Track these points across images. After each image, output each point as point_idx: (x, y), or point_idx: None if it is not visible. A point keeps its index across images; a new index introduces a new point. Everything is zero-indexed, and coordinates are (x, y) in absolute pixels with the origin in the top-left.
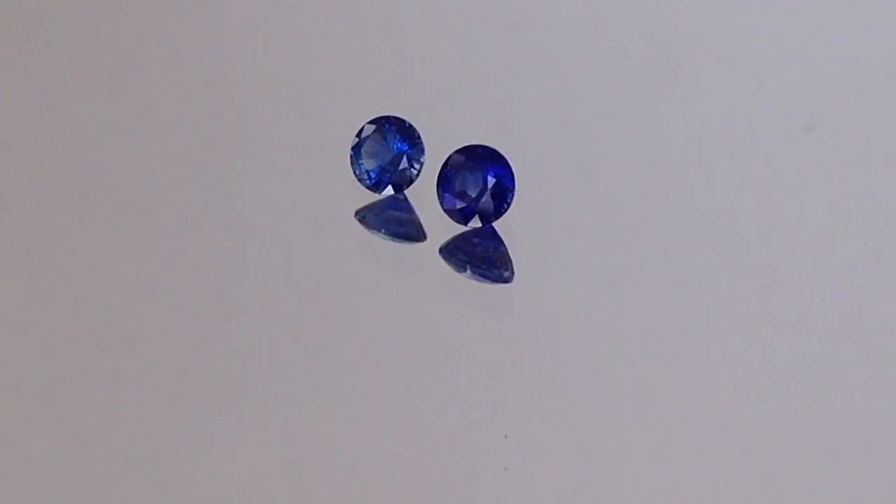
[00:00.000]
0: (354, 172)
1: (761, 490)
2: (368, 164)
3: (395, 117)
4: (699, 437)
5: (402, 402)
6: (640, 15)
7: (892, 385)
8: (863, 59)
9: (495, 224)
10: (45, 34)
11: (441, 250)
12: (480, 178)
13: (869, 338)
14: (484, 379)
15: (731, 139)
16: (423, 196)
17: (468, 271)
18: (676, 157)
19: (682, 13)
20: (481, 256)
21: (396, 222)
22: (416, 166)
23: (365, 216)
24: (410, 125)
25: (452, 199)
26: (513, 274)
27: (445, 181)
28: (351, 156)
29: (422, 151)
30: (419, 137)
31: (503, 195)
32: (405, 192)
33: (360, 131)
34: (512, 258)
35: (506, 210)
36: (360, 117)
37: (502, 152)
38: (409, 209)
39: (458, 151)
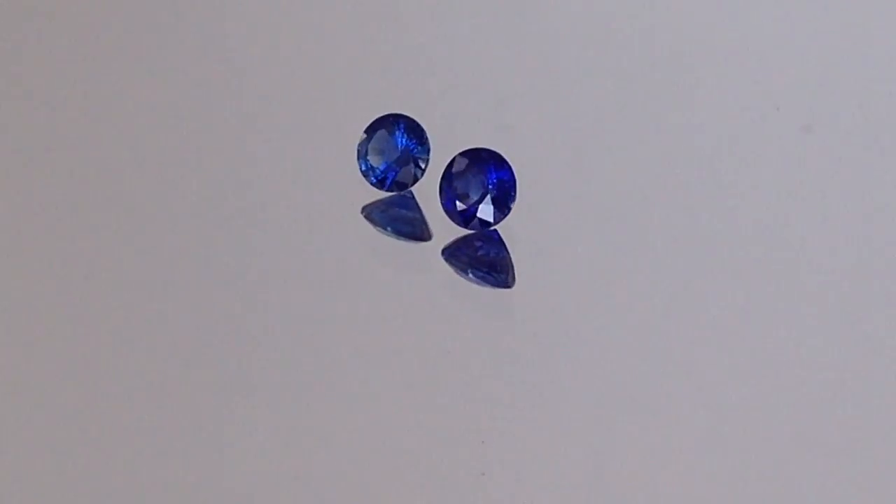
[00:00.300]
0: (360, 168)
1: (762, 497)
2: (375, 160)
3: (403, 115)
4: (697, 446)
5: (396, 400)
6: (641, 16)
7: (892, 385)
8: (863, 59)
9: (499, 229)
10: (64, 35)
11: (444, 251)
12: (483, 182)
13: (869, 337)
14: (480, 381)
15: (731, 139)
16: (428, 195)
17: (469, 274)
18: (676, 159)
19: (683, 14)
20: (483, 260)
21: (402, 221)
22: (422, 165)
23: (371, 213)
24: (418, 124)
25: (453, 201)
26: (514, 279)
27: (448, 182)
28: (358, 151)
29: (428, 150)
30: (426, 136)
31: (504, 200)
32: (412, 190)
33: (369, 127)
34: (514, 263)
35: (506, 215)
36: (369, 114)
37: (507, 156)
38: (415, 208)
39: (462, 153)
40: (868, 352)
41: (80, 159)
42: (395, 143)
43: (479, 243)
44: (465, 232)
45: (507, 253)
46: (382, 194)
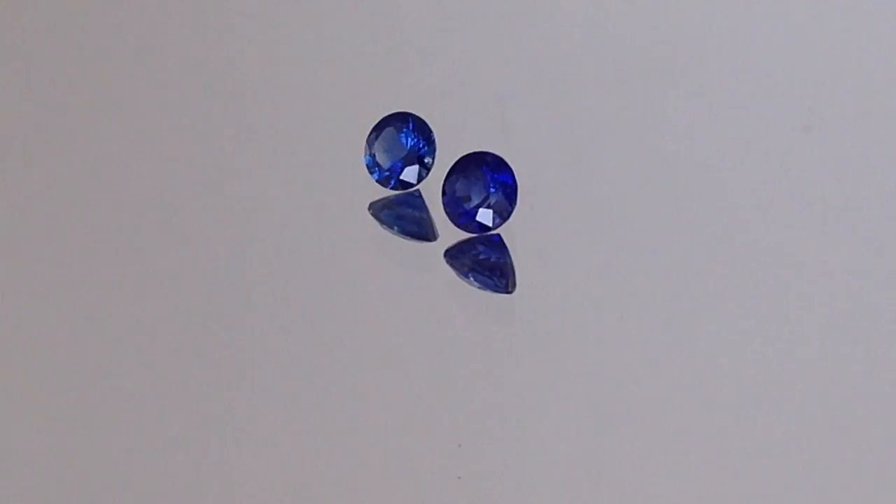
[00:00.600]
0: (367, 165)
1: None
2: (381, 158)
3: (412, 114)
4: (694, 452)
5: (389, 399)
6: (641, 16)
7: (892, 385)
8: (863, 58)
9: (502, 233)
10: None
11: (446, 253)
12: (484, 186)
13: (869, 337)
14: (477, 382)
15: (732, 139)
16: (432, 196)
17: (470, 278)
18: (678, 163)
19: (683, 14)
20: (484, 264)
21: (409, 220)
22: (428, 165)
23: (378, 211)
24: (426, 124)
25: (454, 203)
26: (514, 285)
27: (450, 184)
28: (365, 148)
29: (434, 151)
30: (433, 137)
31: (505, 205)
32: (420, 189)
33: (378, 125)
34: (515, 268)
35: (505, 220)
36: (378, 112)
37: (511, 160)
38: (422, 207)
39: (466, 156)
40: (868, 351)
41: (101, 154)
42: (402, 142)
43: (481, 247)
44: (469, 234)
45: (509, 258)
46: (389, 192)
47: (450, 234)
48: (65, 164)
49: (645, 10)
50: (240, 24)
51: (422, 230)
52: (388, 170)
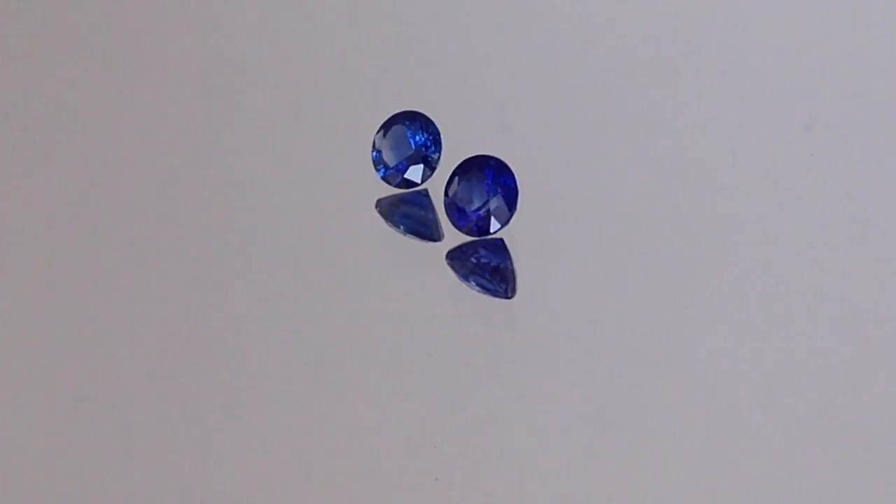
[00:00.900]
0: (373, 162)
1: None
2: (387, 156)
3: (421, 114)
4: (694, 458)
5: (385, 398)
6: (641, 16)
7: (892, 385)
8: (863, 58)
9: (505, 238)
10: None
11: (448, 255)
12: (486, 190)
13: (869, 336)
14: (474, 384)
15: (732, 139)
16: (437, 196)
17: (471, 282)
18: (676, 163)
19: (683, 14)
20: (485, 268)
21: (416, 219)
22: (433, 165)
23: (385, 208)
24: (434, 124)
25: (455, 205)
26: (514, 291)
27: (452, 187)
28: (373, 145)
29: (440, 152)
30: (440, 137)
31: (506, 209)
32: (427, 189)
33: (386, 122)
34: (517, 273)
35: (504, 224)
36: (387, 110)
37: (513, 165)
38: (430, 207)
39: (470, 159)
40: (868, 351)
41: (112, 149)
42: (409, 141)
43: (483, 251)
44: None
45: (511, 263)
46: (395, 189)
47: (454, 235)
48: (78, 160)
49: (645, 11)
50: (251, 22)
51: (428, 230)
52: (394, 167)
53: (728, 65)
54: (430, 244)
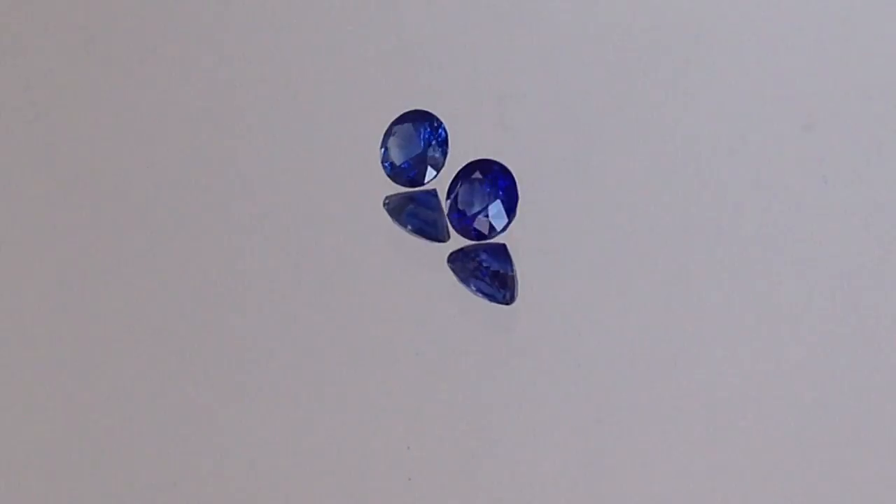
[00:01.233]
0: (381, 159)
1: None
2: (395, 153)
3: (431, 114)
4: (694, 463)
5: (381, 398)
6: (641, 16)
7: (891, 384)
8: (862, 58)
9: (508, 243)
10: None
11: (449, 257)
12: (486, 194)
13: (869, 336)
14: (471, 386)
15: (733, 141)
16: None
17: (471, 286)
18: (677, 165)
19: (683, 13)
20: (486, 272)
21: (423, 219)
22: (438, 165)
23: (393, 206)
24: (443, 125)
25: (455, 208)
26: (514, 297)
27: (453, 189)
28: (382, 142)
29: (446, 153)
30: (447, 138)
31: (503, 216)
32: (436, 189)
33: (397, 120)
34: (518, 278)
35: (503, 229)
36: (401, 107)
37: (515, 169)
38: (438, 207)
39: (473, 162)
40: (868, 351)
41: (125, 148)
42: (417, 140)
43: (484, 255)
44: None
45: (513, 269)
46: (405, 188)
47: (459, 237)
48: (92, 156)
49: (645, 11)
50: (263, 20)
51: (434, 230)
52: (400, 166)
53: (728, 63)
54: (435, 245)
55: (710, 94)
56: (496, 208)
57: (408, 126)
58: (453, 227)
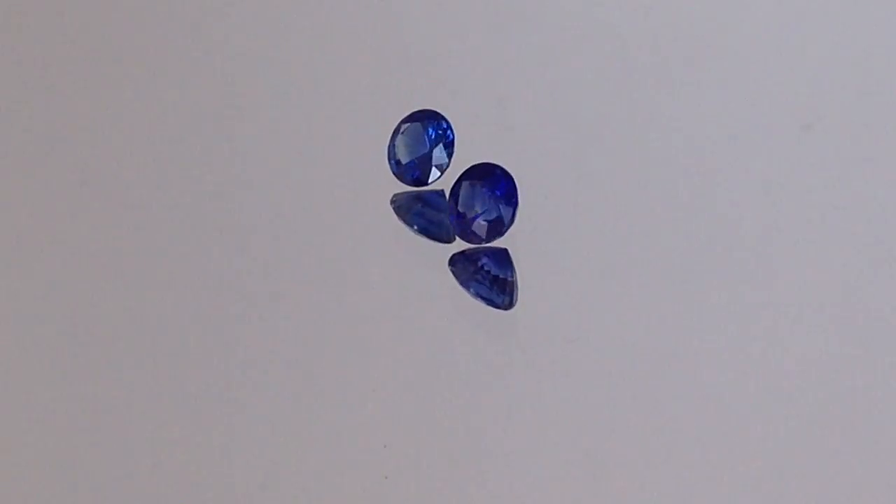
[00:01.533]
0: (388, 156)
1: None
2: (401, 151)
3: (440, 115)
4: (695, 469)
5: (377, 398)
6: (640, 16)
7: (891, 384)
8: (862, 58)
9: (510, 248)
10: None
11: (451, 259)
12: (487, 198)
13: (869, 336)
14: (468, 389)
15: (732, 141)
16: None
17: (471, 290)
18: (678, 164)
19: (682, 13)
20: (487, 276)
21: (429, 219)
22: (443, 167)
23: (400, 205)
24: (450, 126)
25: (455, 210)
26: (513, 303)
27: (454, 192)
28: (390, 140)
29: (451, 155)
30: (454, 140)
31: (501, 221)
32: (444, 189)
33: (406, 118)
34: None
35: (500, 235)
36: (405, 108)
37: (517, 173)
38: (444, 207)
39: (476, 166)
40: (868, 351)
41: (133, 147)
42: (424, 140)
43: (486, 259)
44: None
45: (513, 275)
46: (406, 186)
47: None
48: (102, 153)
49: (646, 11)
50: (273, 19)
51: (440, 231)
52: (406, 164)
53: (728, 63)
54: (439, 246)
55: (711, 94)
56: (495, 213)
57: (416, 126)
58: (452, 228)
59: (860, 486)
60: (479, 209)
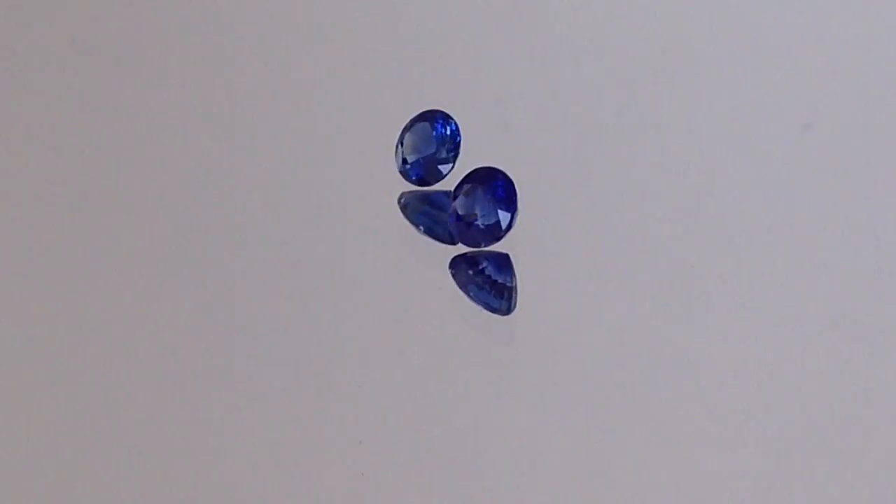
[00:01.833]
0: (395, 154)
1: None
2: (408, 150)
3: (449, 116)
4: (695, 475)
5: (375, 398)
6: (640, 16)
7: (891, 385)
8: (862, 58)
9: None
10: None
11: (451, 262)
12: (487, 203)
13: (868, 336)
14: (466, 391)
15: (733, 141)
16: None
17: (470, 293)
18: (677, 162)
19: (682, 13)
20: (486, 281)
21: (436, 220)
22: (446, 169)
23: (407, 204)
24: (458, 127)
25: (455, 213)
26: (510, 308)
27: (455, 195)
28: (399, 137)
29: (456, 156)
30: (460, 141)
31: (498, 225)
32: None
33: (416, 117)
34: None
35: (497, 239)
36: (397, 110)
37: (518, 176)
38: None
39: (478, 170)
40: (868, 351)
41: (139, 148)
42: (432, 140)
43: (486, 263)
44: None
45: (513, 280)
46: (409, 185)
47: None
48: (109, 150)
49: (646, 12)
50: (282, 19)
51: (446, 232)
52: (412, 163)
53: (728, 63)
54: (443, 247)
55: (711, 94)
56: (494, 217)
57: (425, 125)
58: (451, 231)
59: (860, 485)
60: (478, 213)
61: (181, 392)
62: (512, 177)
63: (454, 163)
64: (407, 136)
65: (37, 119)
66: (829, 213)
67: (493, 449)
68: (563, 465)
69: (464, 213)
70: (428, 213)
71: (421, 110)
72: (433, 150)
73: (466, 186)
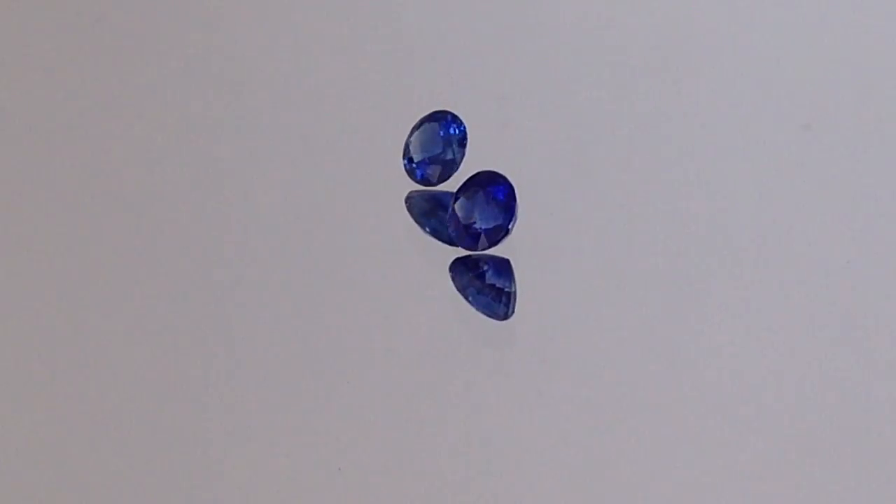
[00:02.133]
0: (403, 153)
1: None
2: (414, 149)
3: (457, 117)
4: (695, 478)
5: (374, 398)
6: (640, 17)
7: (891, 385)
8: (862, 58)
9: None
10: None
11: (452, 264)
12: (486, 207)
13: (868, 337)
14: (464, 393)
15: (732, 141)
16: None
17: (469, 297)
18: (677, 164)
19: (682, 14)
20: (486, 284)
21: (441, 221)
22: (450, 171)
23: (414, 204)
24: (465, 129)
25: (455, 215)
26: (508, 314)
27: (458, 196)
28: (407, 137)
29: (463, 157)
30: (466, 142)
31: (497, 229)
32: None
33: (425, 117)
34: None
35: (495, 244)
36: (398, 110)
37: (519, 179)
38: None
39: (480, 173)
40: (868, 351)
41: (143, 149)
42: (439, 140)
43: (486, 266)
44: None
45: (513, 285)
46: (415, 185)
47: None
48: (114, 150)
49: (646, 12)
50: (284, 26)
51: (449, 233)
52: (418, 162)
53: (727, 62)
54: (447, 248)
55: (711, 95)
56: (493, 221)
57: (433, 125)
58: (450, 233)
59: (860, 485)
60: (477, 217)
61: (182, 392)
62: (515, 182)
63: (460, 164)
64: (415, 135)
65: (37, 119)
66: (829, 213)
67: (491, 453)
68: (561, 469)
69: (463, 216)
70: (434, 214)
71: (430, 111)
72: (439, 151)
73: (467, 190)
